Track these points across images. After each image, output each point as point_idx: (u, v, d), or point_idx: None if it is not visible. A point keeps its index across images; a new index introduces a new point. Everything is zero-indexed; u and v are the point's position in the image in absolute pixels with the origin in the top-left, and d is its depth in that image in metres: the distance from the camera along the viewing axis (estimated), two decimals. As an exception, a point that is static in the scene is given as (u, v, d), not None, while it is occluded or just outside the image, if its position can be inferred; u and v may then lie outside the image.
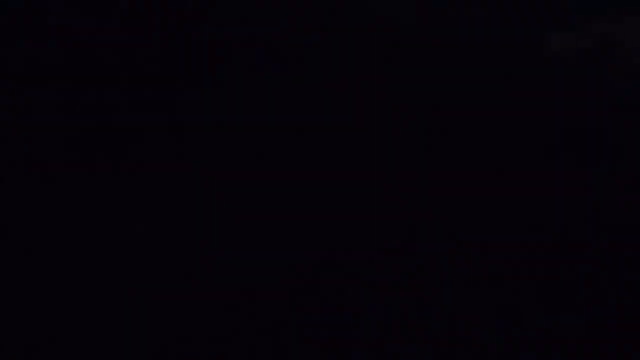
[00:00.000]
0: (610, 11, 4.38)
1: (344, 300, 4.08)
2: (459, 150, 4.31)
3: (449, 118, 4.34)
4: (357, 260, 4.14)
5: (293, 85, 4.35)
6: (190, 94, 4.32)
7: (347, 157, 4.29)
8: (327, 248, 4.16)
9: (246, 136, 4.30)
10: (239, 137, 4.30)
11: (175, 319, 4.04)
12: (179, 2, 4.39)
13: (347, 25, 4.41)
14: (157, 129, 4.27)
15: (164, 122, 4.28)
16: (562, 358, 3.93)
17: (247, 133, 4.30)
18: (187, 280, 4.10)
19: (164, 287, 4.09)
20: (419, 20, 4.43)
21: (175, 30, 4.36)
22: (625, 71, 4.25)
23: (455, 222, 4.19)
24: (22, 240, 4.14)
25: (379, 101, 4.35)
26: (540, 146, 4.32)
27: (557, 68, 4.39)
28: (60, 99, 4.30)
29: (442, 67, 4.40)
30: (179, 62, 4.35)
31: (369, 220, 4.20)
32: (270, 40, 4.39)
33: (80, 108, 4.29)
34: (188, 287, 4.09)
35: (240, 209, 4.21)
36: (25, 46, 4.34)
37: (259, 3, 4.43)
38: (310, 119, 4.32)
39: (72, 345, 4.00)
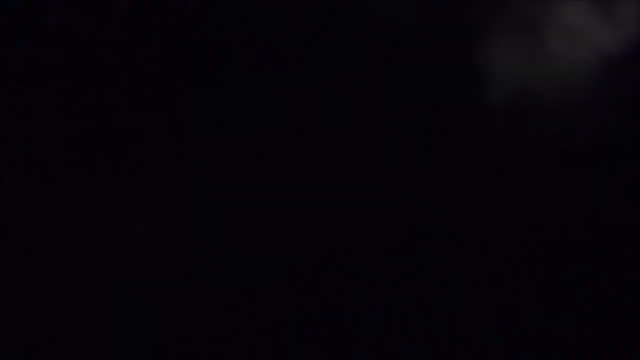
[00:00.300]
0: None
1: (344, 300, 4.07)
2: (459, 150, 4.31)
3: (449, 118, 4.34)
4: (357, 260, 4.14)
5: (293, 85, 4.35)
6: (190, 94, 4.32)
7: (347, 157, 4.29)
8: (327, 248, 4.15)
9: (246, 136, 4.30)
10: (239, 137, 4.30)
11: (175, 319, 4.04)
12: (179, 2, 4.39)
13: (347, 25, 4.40)
14: (157, 129, 4.27)
15: (164, 122, 4.28)
16: (562, 358, 3.93)
17: (247, 133, 4.30)
18: (187, 280, 4.10)
19: (164, 287, 4.08)
20: (419, 20, 4.43)
21: (175, 30, 4.36)
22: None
23: (455, 222, 4.19)
24: (22, 240, 4.14)
25: (379, 101, 4.35)
26: (540, 146, 4.32)
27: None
28: (60, 99, 4.30)
29: (441, 67, 4.40)
30: (179, 62, 4.35)
31: (369, 220, 4.20)
32: (270, 40, 4.39)
33: (80, 108, 4.29)
34: (188, 287, 4.09)
35: (240, 209, 4.21)
36: (25, 46, 4.34)
37: (259, 3, 4.42)
38: (310, 119, 4.32)
39: (72, 345, 4.00)
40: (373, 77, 4.38)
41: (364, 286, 4.08)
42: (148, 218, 4.18)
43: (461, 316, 4.00)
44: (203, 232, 4.17)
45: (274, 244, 4.16)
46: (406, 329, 4.00)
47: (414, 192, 4.24)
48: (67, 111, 4.28)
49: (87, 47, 4.35)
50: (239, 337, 4.00)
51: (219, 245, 4.15)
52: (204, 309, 4.04)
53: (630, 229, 4.12)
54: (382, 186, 4.26)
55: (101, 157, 4.23)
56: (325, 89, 4.36)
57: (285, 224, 4.19)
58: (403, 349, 3.97)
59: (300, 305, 4.05)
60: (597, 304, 3.99)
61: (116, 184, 4.22)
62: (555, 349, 3.93)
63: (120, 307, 4.05)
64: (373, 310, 4.04)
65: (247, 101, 4.34)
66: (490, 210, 4.20)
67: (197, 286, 4.08)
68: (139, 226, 4.17)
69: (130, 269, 4.10)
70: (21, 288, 4.07)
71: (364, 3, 4.44)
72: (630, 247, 4.09)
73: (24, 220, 4.17)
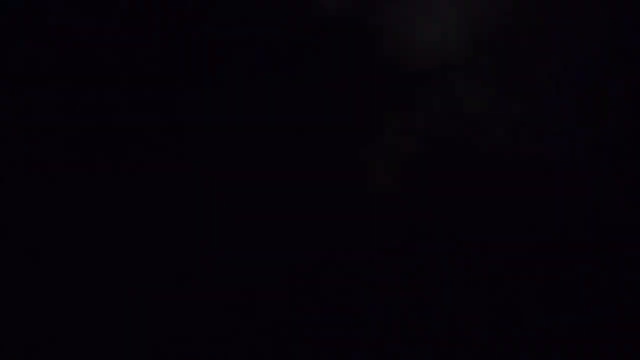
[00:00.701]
0: None
1: (344, 300, 4.08)
2: (459, 149, 4.31)
3: (448, 117, 4.34)
4: (357, 260, 4.14)
5: (293, 85, 4.35)
6: (190, 94, 4.32)
7: (347, 157, 4.29)
8: (326, 248, 4.16)
9: (246, 136, 4.30)
10: (239, 137, 4.30)
11: (175, 319, 4.04)
12: (179, 2, 4.39)
13: (345, 26, 4.41)
14: (157, 129, 4.28)
15: (164, 122, 4.28)
16: (562, 358, 3.93)
17: (247, 133, 4.30)
18: (187, 280, 4.11)
19: (164, 287, 4.09)
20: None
21: (175, 30, 4.36)
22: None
23: (455, 222, 4.19)
24: (22, 240, 4.14)
25: (379, 101, 4.35)
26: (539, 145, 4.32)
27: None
28: (60, 99, 4.30)
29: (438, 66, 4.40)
30: (179, 62, 4.35)
31: (369, 220, 4.20)
32: (270, 40, 4.39)
33: (80, 108, 4.29)
34: (188, 287, 4.09)
35: (240, 209, 4.21)
36: (25, 46, 4.34)
37: (259, 3, 4.43)
38: (310, 119, 4.32)
39: (71, 345, 4.00)
40: (373, 77, 4.39)
41: (364, 286, 4.08)
42: (148, 218, 4.18)
43: (461, 316, 4.01)
44: (203, 232, 4.17)
45: (274, 244, 4.16)
46: (406, 329, 4.00)
47: (414, 192, 4.24)
48: (67, 111, 4.29)
49: (87, 47, 4.35)
50: (239, 337, 4.01)
51: (219, 245, 4.16)
52: (204, 309, 4.05)
53: (631, 229, 4.13)
54: (381, 186, 4.26)
55: (101, 157, 4.24)
56: (325, 89, 4.36)
57: (285, 224, 4.19)
58: (403, 349, 3.98)
59: (301, 305, 4.05)
60: (597, 304, 4.00)
61: (116, 184, 4.22)
62: (556, 349, 3.93)
63: (120, 306, 4.05)
64: (373, 310, 4.05)
65: (247, 101, 4.34)
66: (490, 210, 4.21)
67: (197, 286, 4.09)
68: (139, 226, 4.17)
69: (130, 269, 4.10)
70: (21, 287, 4.07)
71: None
72: (630, 247, 4.09)
73: (24, 220, 4.17)
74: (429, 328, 4.00)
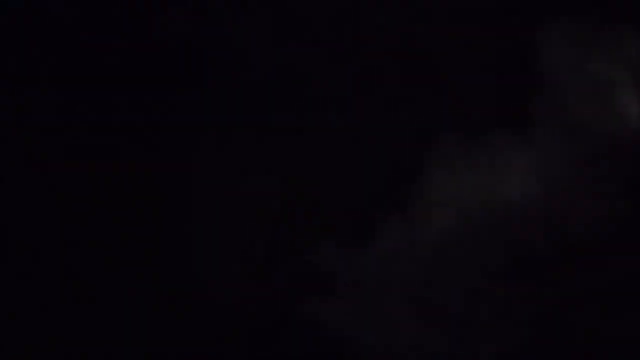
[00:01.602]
0: None
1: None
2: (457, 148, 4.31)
3: (446, 116, 4.34)
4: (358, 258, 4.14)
5: (293, 86, 4.35)
6: (190, 94, 4.32)
7: (347, 157, 4.29)
8: (326, 245, 4.16)
9: (246, 136, 4.30)
10: (238, 137, 4.30)
11: (174, 319, 4.04)
12: (178, 2, 4.39)
13: (342, 29, 4.41)
14: (157, 129, 4.28)
15: (164, 122, 4.28)
16: (563, 358, 3.94)
17: (246, 133, 4.30)
18: (187, 280, 4.11)
19: (163, 287, 4.09)
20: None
21: (175, 30, 4.36)
22: None
23: (454, 221, 4.19)
24: (22, 240, 4.14)
25: (379, 101, 4.35)
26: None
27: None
28: (60, 99, 4.30)
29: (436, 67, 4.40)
30: (178, 62, 4.35)
31: (368, 220, 4.20)
32: (270, 42, 4.39)
33: (80, 108, 4.29)
34: (187, 288, 4.09)
35: (240, 208, 4.21)
36: (25, 46, 4.34)
37: (261, 5, 4.43)
38: (310, 119, 4.32)
39: (70, 344, 4.00)
40: (373, 77, 4.39)
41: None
42: (148, 218, 4.18)
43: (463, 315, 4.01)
44: (203, 232, 4.17)
45: (273, 243, 4.16)
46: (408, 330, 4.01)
47: (412, 191, 4.24)
48: (67, 111, 4.28)
49: (87, 47, 4.35)
50: (239, 337, 4.01)
51: (219, 245, 4.16)
52: (203, 309, 4.05)
53: (631, 229, 4.12)
54: (380, 185, 4.26)
55: (101, 157, 4.23)
56: (323, 89, 4.36)
57: (284, 223, 4.19)
58: (404, 349, 3.98)
59: (301, 306, 4.06)
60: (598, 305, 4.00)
61: (116, 184, 4.22)
62: (557, 349, 3.94)
63: (119, 306, 4.05)
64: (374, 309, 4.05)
65: (246, 101, 4.34)
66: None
67: (197, 286, 4.09)
68: (139, 226, 4.17)
69: (129, 269, 4.10)
70: (21, 287, 4.07)
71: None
72: (630, 247, 4.10)
73: (24, 219, 4.17)
74: (429, 329, 4.01)
